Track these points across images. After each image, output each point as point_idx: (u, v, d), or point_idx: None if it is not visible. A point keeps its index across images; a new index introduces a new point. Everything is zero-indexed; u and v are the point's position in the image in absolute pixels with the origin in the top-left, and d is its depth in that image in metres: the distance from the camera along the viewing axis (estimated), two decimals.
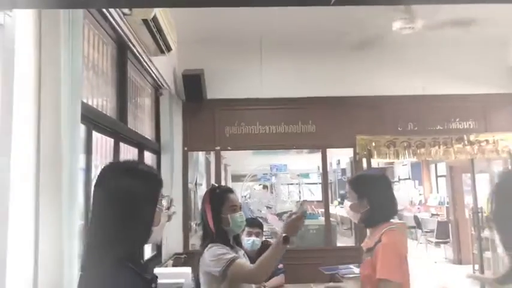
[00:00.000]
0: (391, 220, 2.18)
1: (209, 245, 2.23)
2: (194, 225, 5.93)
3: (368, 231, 2.26)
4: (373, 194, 2.12)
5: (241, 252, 2.36)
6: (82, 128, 2.52)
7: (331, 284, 2.25)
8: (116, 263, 1.18)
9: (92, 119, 2.65)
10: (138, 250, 1.29)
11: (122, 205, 1.23)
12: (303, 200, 2.06)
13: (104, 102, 3.14)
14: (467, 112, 5.40)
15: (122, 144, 3.46)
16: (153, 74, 4.21)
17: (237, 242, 2.42)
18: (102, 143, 3.13)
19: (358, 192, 2.15)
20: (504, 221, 1.20)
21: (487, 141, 5.17)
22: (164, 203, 1.38)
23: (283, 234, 2.01)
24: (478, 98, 5.35)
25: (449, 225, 8.25)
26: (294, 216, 2.04)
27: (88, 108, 2.54)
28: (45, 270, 1.75)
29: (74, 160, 1.95)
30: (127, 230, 1.22)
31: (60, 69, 1.84)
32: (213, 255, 2.18)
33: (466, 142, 5.16)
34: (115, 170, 1.32)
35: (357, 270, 4.06)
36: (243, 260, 2.21)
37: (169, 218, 4.52)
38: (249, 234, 3.55)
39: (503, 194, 1.24)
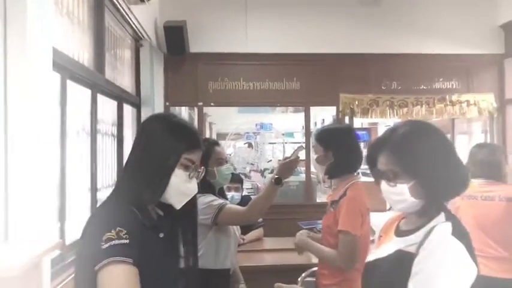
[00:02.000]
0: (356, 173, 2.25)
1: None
2: None
3: (333, 185, 2.31)
4: (337, 146, 2.15)
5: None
6: (56, 78, 2.44)
7: (304, 231, 2.33)
8: (119, 206, 1.20)
9: (66, 68, 2.55)
10: (146, 201, 1.25)
11: (137, 156, 1.27)
12: (300, 145, 2.17)
13: (80, 52, 3.02)
14: (451, 72, 5.39)
15: (100, 97, 3.37)
16: (133, 24, 4.05)
17: (222, 195, 2.45)
18: (79, 95, 3.05)
19: (324, 145, 2.18)
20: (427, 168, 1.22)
21: (468, 101, 5.20)
22: (192, 171, 1.31)
23: (276, 176, 2.07)
24: (463, 58, 5.32)
25: None
26: (288, 159, 2.12)
27: (61, 56, 2.44)
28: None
29: (46, 110, 1.89)
30: (137, 179, 1.23)
31: (27, 10, 1.74)
32: (202, 203, 2.21)
33: (447, 102, 5.18)
34: (151, 119, 1.34)
35: None
36: (233, 205, 2.23)
37: None
38: (228, 189, 3.59)
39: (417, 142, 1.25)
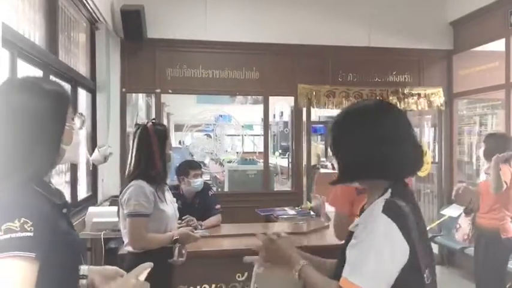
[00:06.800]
0: None
1: (133, 182, 2.25)
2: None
3: None
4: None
5: (166, 187, 2.41)
6: (5, 54, 2.33)
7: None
8: (19, 187, 1.07)
9: (17, 45, 2.44)
10: (46, 172, 1.17)
11: (25, 125, 1.12)
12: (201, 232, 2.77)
13: (32, 31, 2.90)
14: (404, 66, 5.59)
15: (52, 78, 3.25)
16: (88, 6, 3.92)
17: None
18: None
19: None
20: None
21: (419, 94, 5.43)
22: (77, 121, 1.32)
23: (176, 237, 2.26)
24: (415, 52, 5.54)
25: None
26: (191, 233, 2.36)
27: (11, 32, 2.33)
28: None
29: None
30: (32, 151, 1.11)
31: None
32: (130, 197, 2.24)
33: (400, 95, 5.38)
34: (17, 86, 1.17)
35: (291, 211, 4.23)
36: (144, 222, 2.22)
37: (105, 159, 4.45)
38: (196, 176, 3.62)
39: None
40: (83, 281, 1.31)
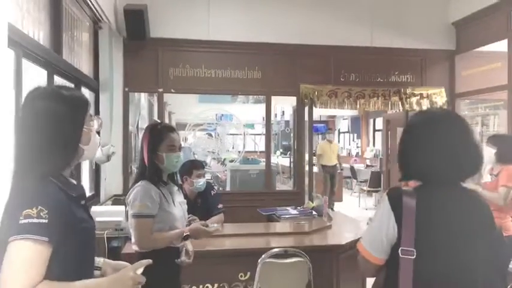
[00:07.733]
0: None
1: (140, 182, 2.23)
2: (135, 169, 5.85)
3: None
4: None
5: (175, 188, 2.38)
6: (10, 54, 2.34)
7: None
8: (39, 179, 1.21)
9: (22, 45, 2.44)
10: (63, 168, 1.30)
11: (47, 127, 1.26)
12: (214, 226, 2.66)
13: (36, 30, 2.91)
14: (406, 66, 5.61)
15: (56, 79, 3.26)
16: (92, 6, 3.93)
17: (172, 179, 2.42)
18: (35, 77, 2.93)
19: None
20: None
21: (421, 94, 5.43)
22: (95, 123, 1.39)
23: (187, 233, 2.26)
24: (418, 52, 5.55)
25: (381, 175, 8.76)
26: (203, 227, 2.33)
27: (16, 32, 2.34)
28: None
29: (1, 89, 1.81)
30: (50, 150, 1.24)
31: None
32: (133, 193, 2.24)
33: (402, 95, 5.38)
34: (40, 94, 1.31)
35: (293, 211, 4.24)
36: (149, 222, 2.20)
37: (108, 158, 4.43)
38: (199, 176, 3.61)
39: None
40: (97, 272, 1.44)
